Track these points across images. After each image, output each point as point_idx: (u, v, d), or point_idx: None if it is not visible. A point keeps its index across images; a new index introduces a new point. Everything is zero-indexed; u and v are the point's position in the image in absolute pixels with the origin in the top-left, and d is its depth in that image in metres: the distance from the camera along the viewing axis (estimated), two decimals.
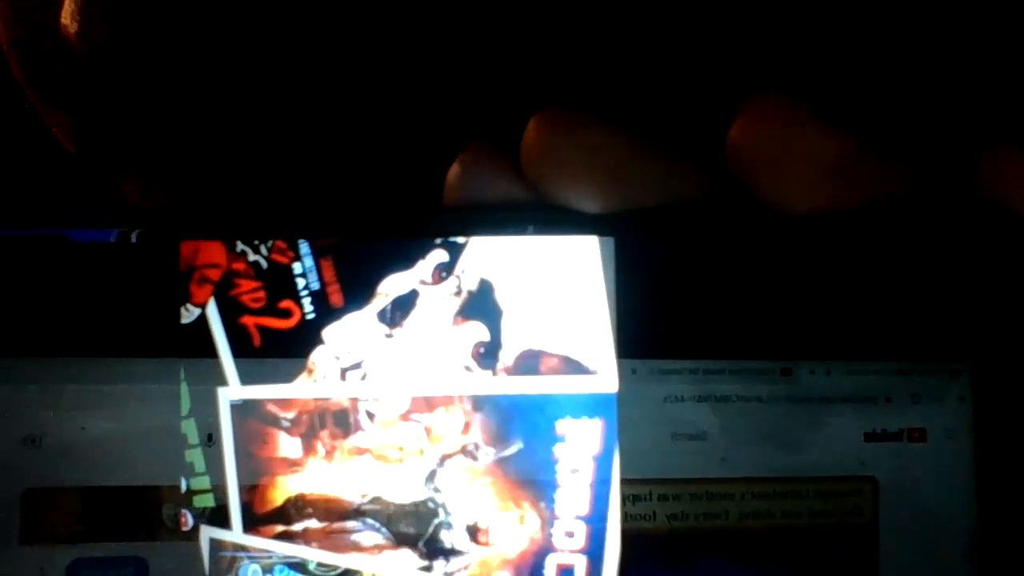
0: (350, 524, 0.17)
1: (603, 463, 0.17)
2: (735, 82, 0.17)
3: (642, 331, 0.17)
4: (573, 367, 0.17)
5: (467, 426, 0.17)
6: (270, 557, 0.17)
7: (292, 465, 0.17)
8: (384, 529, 0.17)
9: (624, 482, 0.17)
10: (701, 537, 0.17)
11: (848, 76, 0.17)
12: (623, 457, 0.17)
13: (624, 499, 0.17)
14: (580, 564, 0.17)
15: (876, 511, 0.18)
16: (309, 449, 0.17)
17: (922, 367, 0.18)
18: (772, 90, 0.16)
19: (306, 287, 0.17)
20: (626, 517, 0.17)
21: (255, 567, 0.17)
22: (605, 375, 0.17)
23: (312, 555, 0.17)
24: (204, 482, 0.17)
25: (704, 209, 0.17)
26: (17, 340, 0.17)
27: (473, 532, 0.17)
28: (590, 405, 0.17)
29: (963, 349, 0.18)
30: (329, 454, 0.17)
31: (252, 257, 0.17)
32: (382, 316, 0.17)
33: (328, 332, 0.17)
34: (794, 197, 0.16)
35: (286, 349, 0.17)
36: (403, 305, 0.17)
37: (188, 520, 0.17)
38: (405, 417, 0.17)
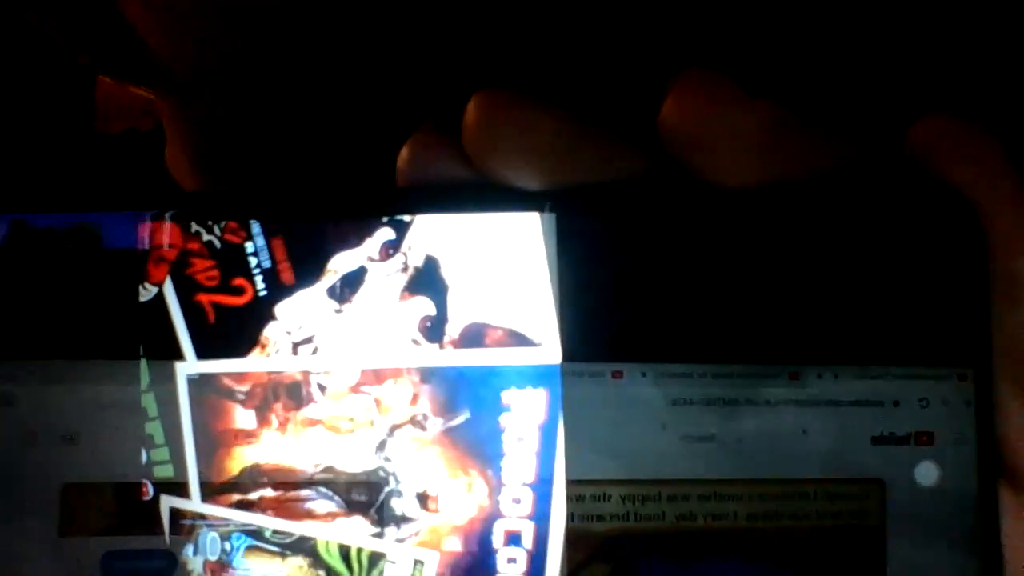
0: (304, 493, 0.18)
1: (548, 432, 0.18)
2: (669, 59, 0.18)
3: (584, 312, 0.18)
4: (517, 339, 0.18)
5: (415, 397, 0.18)
6: (227, 525, 0.18)
7: (247, 436, 0.18)
8: (337, 497, 0.18)
9: (635, 483, 0.18)
10: (710, 537, 0.18)
11: (775, 50, 0.17)
12: (631, 459, 0.18)
13: (635, 499, 0.18)
14: (527, 529, 0.18)
15: (884, 514, 0.18)
16: (263, 421, 0.18)
17: (930, 371, 0.18)
18: (698, 67, 0.16)
19: (258, 265, 0.18)
20: (638, 517, 0.18)
21: (213, 535, 0.18)
22: (548, 347, 0.18)
23: (268, 523, 0.18)
24: (163, 453, 0.17)
25: (644, 185, 0.18)
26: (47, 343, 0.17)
27: (423, 499, 0.18)
28: (534, 376, 0.18)
29: (971, 353, 0.18)
30: (283, 425, 0.18)
31: (206, 237, 0.18)
32: (332, 292, 0.18)
33: (280, 308, 0.18)
34: (723, 172, 0.17)
35: (240, 325, 0.18)
36: (352, 281, 0.18)
37: (149, 490, 0.17)
38: (355, 389, 0.18)
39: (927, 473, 0.18)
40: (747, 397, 0.18)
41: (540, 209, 0.18)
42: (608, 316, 0.18)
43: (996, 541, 0.17)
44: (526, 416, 0.18)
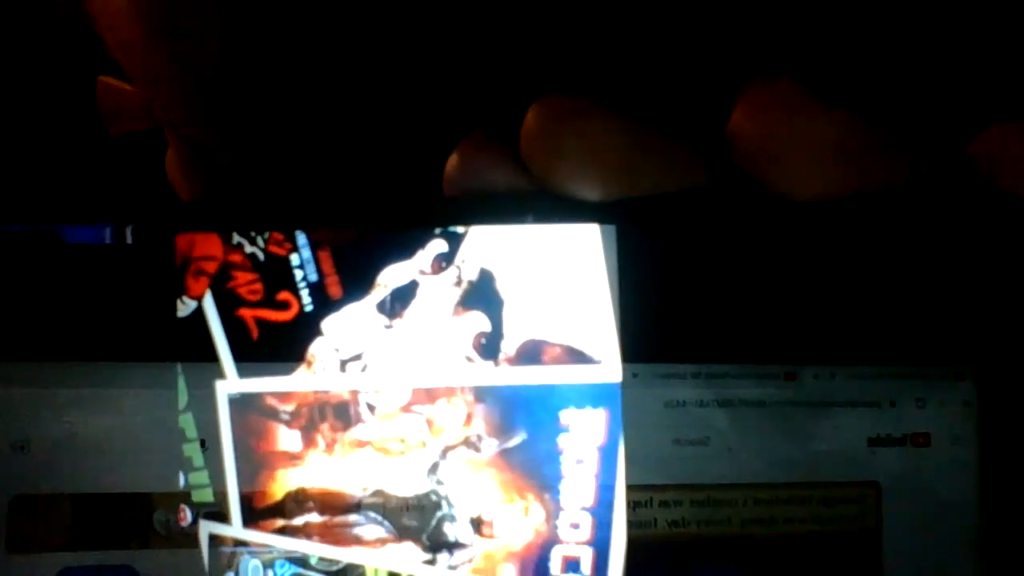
0: (352, 518, 0.17)
1: (608, 453, 0.17)
2: (736, 68, 0.17)
3: (643, 328, 0.17)
4: (576, 356, 0.17)
5: (469, 417, 0.17)
6: (271, 552, 0.17)
7: (292, 459, 0.17)
8: (386, 522, 0.17)
9: (625, 488, 0.17)
10: (703, 544, 0.17)
11: (847, 59, 0.17)
12: (624, 462, 0.17)
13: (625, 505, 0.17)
14: (586, 556, 0.17)
15: (880, 517, 0.17)
16: (309, 442, 0.17)
17: (927, 371, 0.17)
18: (772, 75, 0.16)
19: (304, 279, 0.17)
20: (628, 525, 0.17)
21: (255, 562, 0.17)
22: (609, 364, 0.17)
23: (313, 549, 0.17)
24: (203, 477, 0.17)
25: (707, 197, 0.17)
26: (8, 342, 0.16)
27: (477, 524, 0.17)
28: (594, 395, 0.17)
29: (968, 353, 0.17)
30: (329, 447, 0.17)
31: (249, 249, 0.17)
32: (381, 307, 0.17)
33: (327, 324, 0.17)
34: (797, 182, 0.16)
35: (284, 341, 0.17)
36: (403, 296, 0.17)
37: (187, 516, 0.17)
38: (406, 409, 0.17)
39: (924, 474, 0.17)
40: (742, 398, 0.17)
41: (601, 221, 0.17)
42: (669, 325, 0.17)
43: (996, 543, 0.17)
44: (585, 437, 0.17)
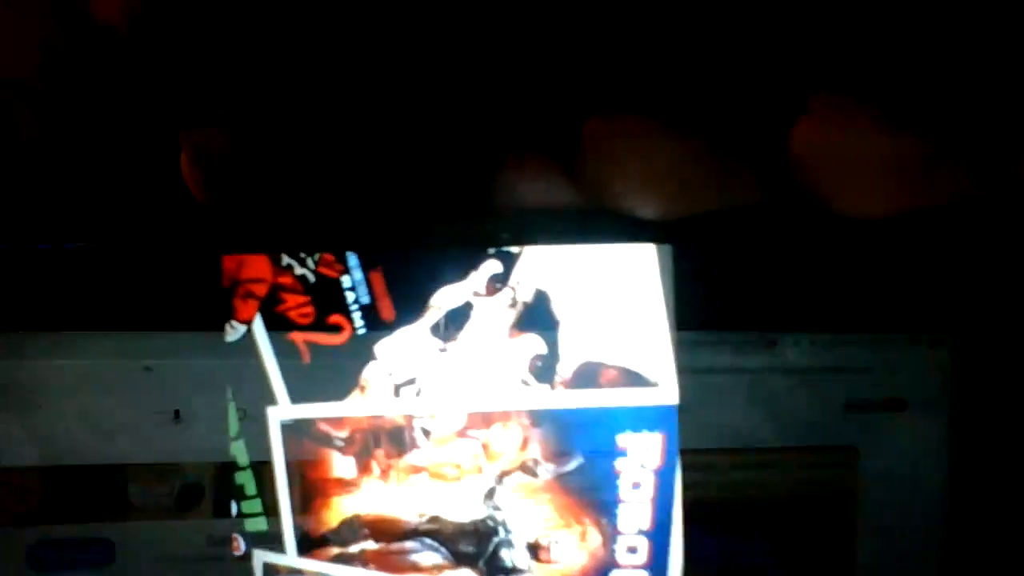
0: (408, 544, 0.16)
1: (665, 477, 0.17)
2: (791, 84, 0.17)
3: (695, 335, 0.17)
4: (632, 379, 0.17)
5: (525, 442, 0.17)
6: None
7: (346, 485, 0.16)
8: (443, 549, 0.16)
9: None
10: (686, 508, 0.17)
11: (907, 77, 0.17)
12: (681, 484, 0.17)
13: None
14: None
15: (856, 479, 0.18)
16: (363, 468, 0.16)
17: (903, 338, 0.18)
18: (836, 90, 0.15)
19: (356, 301, 0.16)
20: None
21: None
22: (665, 387, 0.17)
23: None
24: (256, 505, 0.16)
25: (763, 215, 0.17)
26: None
27: (534, 550, 0.17)
28: (651, 418, 0.17)
29: (945, 321, 0.17)
30: (384, 473, 0.16)
31: (299, 271, 0.16)
32: (435, 330, 0.16)
33: (380, 347, 0.16)
34: (859, 201, 0.16)
35: (337, 366, 0.16)
36: (457, 318, 0.16)
37: (240, 545, 0.16)
38: (462, 434, 0.16)
39: (898, 439, 0.18)
40: (722, 365, 0.17)
41: (657, 240, 0.16)
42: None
43: (966, 506, 0.18)
44: (642, 460, 0.17)
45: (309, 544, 0.16)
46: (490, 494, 0.16)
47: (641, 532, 0.17)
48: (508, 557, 0.17)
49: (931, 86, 0.17)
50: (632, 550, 0.17)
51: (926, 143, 0.15)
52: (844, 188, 0.16)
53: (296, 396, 0.16)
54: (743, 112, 0.17)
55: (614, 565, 0.17)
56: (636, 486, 0.17)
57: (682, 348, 0.17)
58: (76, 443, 0.16)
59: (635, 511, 0.17)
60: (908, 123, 0.15)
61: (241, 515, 0.16)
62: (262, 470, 0.16)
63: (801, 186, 0.16)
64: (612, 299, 0.16)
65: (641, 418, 0.17)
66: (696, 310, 0.17)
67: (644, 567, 0.17)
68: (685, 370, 0.17)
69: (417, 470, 0.16)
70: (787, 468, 0.17)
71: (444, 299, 0.16)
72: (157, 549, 0.16)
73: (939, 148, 0.16)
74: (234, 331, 0.16)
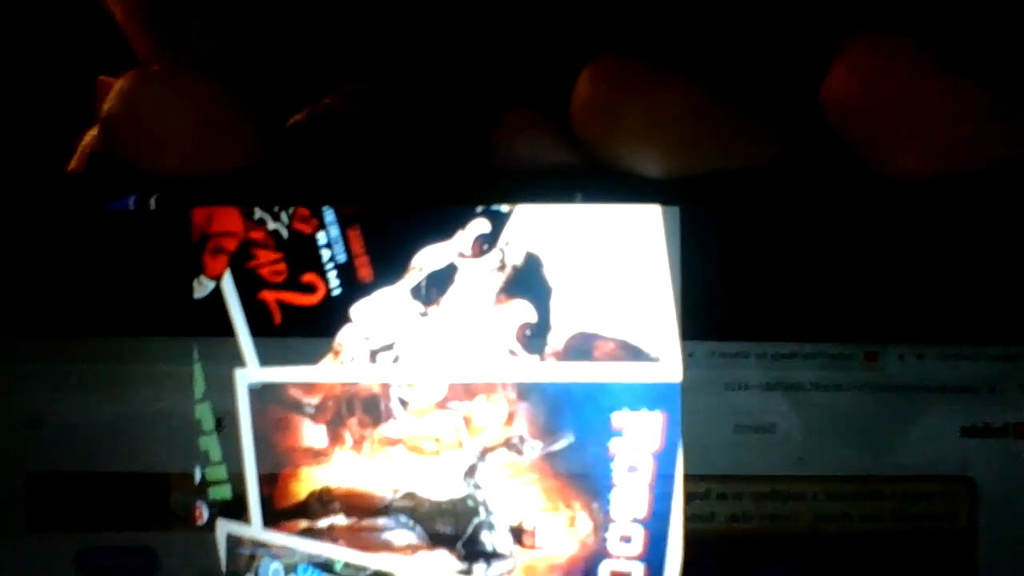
0: (381, 521, 0.15)
1: (665, 461, 0.15)
2: (818, 23, 0.15)
3: (702, 308, 0.15)
4: (631, 353, 0.15)
5: (511, 416, 0.15)
6: (293, 556, 0.15)
7: (317, 455, 0.15)
8: (418, 528, 0.15)
9: (683, 478, 0.15)
10: (767, 541, 0.15)
11: (957, 16, 0.15)
12: (683, 470, 0.15)
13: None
14: (637, 572, 0.15)
15: (974, 516, 0.15)
16: (335, 438, 0.15)
17: None
18: (878, 31, 0.13)
19: (332, 259, 0.15)
20: (682, 517, 0.15)
21: (276, 565, 0.15)
22: (668, 362, 0.15)
23: (339, 554, 0.15)
24: (220, 472, 0.15)
25: (782, 175, 0.15)
26: (18, 318, 0.15)
27: (517, 534, 0.15)
28: (651, 396, 0.15)
29: None
30: (357, 444, 0.15)
31: (272, 225, 0.15)
32: (416, 292, 0.15)
33: (356, 309, 0.15)
34: (913, 157, 0.14)
35: (310, 328, 0.15)
36: (439, 280, 0.15)
37: (203, 513, 0.15)
38: (442, 405, 0.15)
39: None
40: (813, 381, 0.15)
41: (662, 201, 0.15)
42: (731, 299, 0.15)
43: None
44: (640, 442, 0.15)
45: (276, 516, 0.15)
46: (471, 471, 0.15)
47: (636, 520, 0.15)
48: (488, 540, 0.15)
49: (987, 28, 0.15)
50: (626, 539, 0.15)
51: (995, 94, 0.13)
52: (892, 142, 0.14)
53: (265, 359, 0.15)
54: (761, 57, 0.16)
55: (605, 555, 0.15)
56: (632, 470, 0.15)
57: (767, 360, 0.15)
58: (119, 449, 0.15)
59: (630, 497, 0.15)
60: (967, 71, 0.13)
61: (205, 482, 0.15)
62: (227, 435, 0.15)
63: (841, 141, 0.14)
64: (611, 265, 0.15)
65: (640, 395, 0.15)
66: (706, 278, 0.15)
67: (639, 559, 0.15)
68: (773, 386, 0.15)
69: (392, 442, 0.15)
70: (890, 499, 0.15)
71: (426, 260, 0.15)
72: (202, 565, 0.16)
73: (1009, 100, 0.14)
74: (202, 287, 0.15)
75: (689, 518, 0.15)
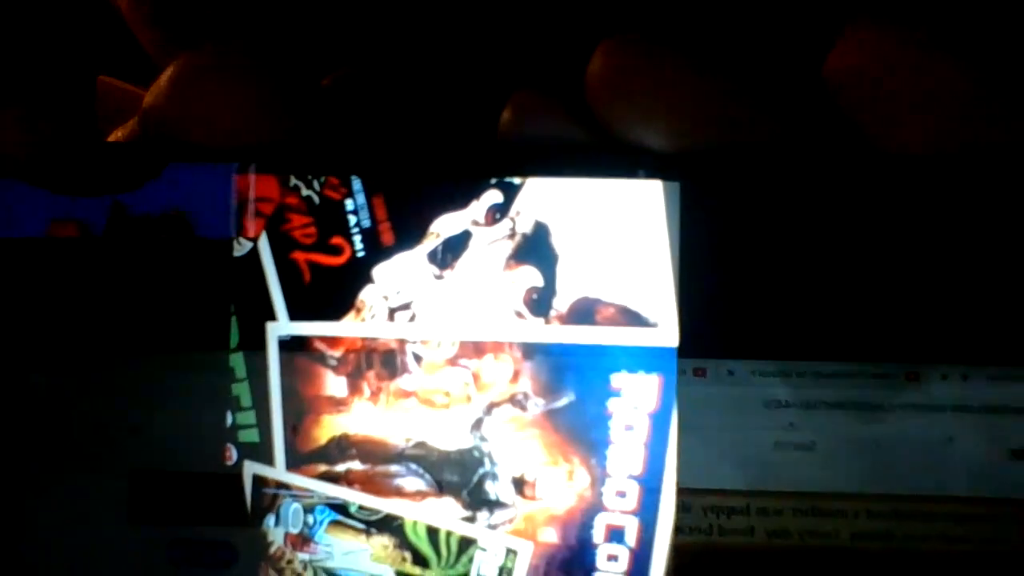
0: (393, 468, 0.16)
1: (660, 421, 0.16)
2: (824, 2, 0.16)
3: (701, 277, 0.16)
4: (631, 318, 0.16)
5: (516, 374, 0.16)
6: (311, 497, 0.17)
7: (337, 404, 0.17)
8: (427, 475, 0.16)
9: (719, 493, 0.16)
10: (806, 557, 0.16)
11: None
12: (716, 466, 0.16)
13: (720, 512, 0.16)
14: (631, 526, 0.16)
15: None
16: (355, 389, 0.17)
17: None
18: (884, 11, 0.14)
19: (357, 224, 0.17)
20: (721, 531, 0.16)
21: (296, 506, 0.17)
22: (665, 328, 0.16)
23: (354, 497, 0.17)
24: (250, 416, 0.17)
25: (788, 151, 0.16)
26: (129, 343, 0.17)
27: (519, 484, 0.16)
28: (647, 359, 0.16)
29: None
30: (375, 395, 0.16)
31: (305, 192, 0.17)
32: (433, 257, 0.16)
33: (378, 271, 0.16)
34: (918, 133, 0.14)
35: (336, 286, 0.17)
36: (454, 246, 0.16)
37: (232, 455, 0.17)
38: (452, 362, 0.16)
39: None
40: (854, 400, 0.16)
41: (664, 177, 0.16)
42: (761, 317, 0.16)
43: None
44: (637, 403, 0.16)
45: (298, 459, 0.17)
46: (477, 424, 0.16)
47: (631, 477, 0.16)
48: (492, 490, 0.16)
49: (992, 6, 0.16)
50: (621, 494, 0.16)
51: (1002, 73, 0.14)
52: (898, 119, 0.14)
53: (295, 313, 0.17)
54: (768, 34, 0.17)
55: (601, 508, 0.16)
56: (628, 428, 0.16)
57: (807, 379, 0.15)
58: (203, 450, 0.17)
59: (626, 454, 0.16)
60: (973, 46, 0.14)
61: (235, 426, 0.17)
62: (257, 382, 0.17)
63: (846, 115, 0.15)
64: (614, 236, 0.16)
65: (637, 358, 0.16)
66: (706, 257, 0.16)
67: (633, 513, 0.16)
68: (813, 404, 0.16)
69: (406, 394, 0.16)
70: (935, 519, 0.15)
71: (443, 226, 0.16)
72: (231, 503, 0.17)
73: (1013, 79, 0.14)
74: (241, 247, 0.17)
75: (729, 532, 0.16)
